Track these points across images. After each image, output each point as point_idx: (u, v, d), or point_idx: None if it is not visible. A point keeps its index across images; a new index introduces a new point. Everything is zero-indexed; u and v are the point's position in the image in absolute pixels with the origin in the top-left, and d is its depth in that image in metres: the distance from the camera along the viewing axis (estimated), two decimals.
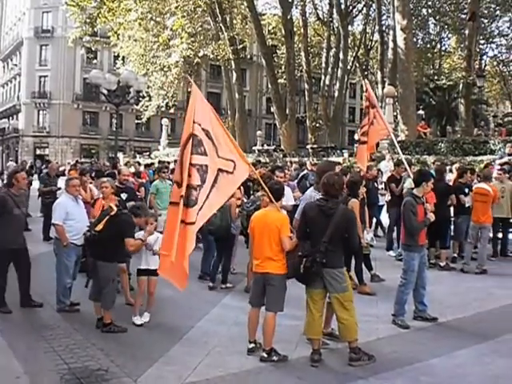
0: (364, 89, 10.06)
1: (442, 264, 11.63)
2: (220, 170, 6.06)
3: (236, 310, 8.33)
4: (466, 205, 11.94)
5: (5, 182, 9.42)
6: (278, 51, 44.79)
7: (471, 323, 8.06)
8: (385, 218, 14.44)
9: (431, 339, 7.32)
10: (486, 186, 11.81)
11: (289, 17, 37.20)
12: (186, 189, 5.76)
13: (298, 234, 6.53)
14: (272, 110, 42.07)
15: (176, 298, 9.12)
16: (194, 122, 5.99)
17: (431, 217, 7.89)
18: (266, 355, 6.32)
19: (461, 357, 6.67)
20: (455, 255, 12.41)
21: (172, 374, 5.96)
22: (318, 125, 40.68)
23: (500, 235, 13.24)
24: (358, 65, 48.88)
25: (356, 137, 32.93)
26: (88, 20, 38.03)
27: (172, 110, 42.44)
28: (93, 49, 50.59)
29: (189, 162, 5.82)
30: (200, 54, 38.78)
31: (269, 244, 6.40)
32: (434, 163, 15.63)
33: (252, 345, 6.59)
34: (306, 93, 41.38)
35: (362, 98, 63.90)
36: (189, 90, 49.56)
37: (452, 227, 12.42)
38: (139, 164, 22.61)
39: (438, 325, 7.86)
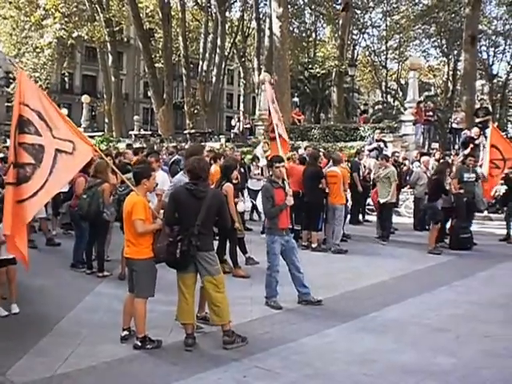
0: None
1: (313, 246, 12.04)
2: (58, 151, 6.11)
3: (109, 297, 8.21)
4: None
5: None
6: (155, 35, 44.12)
7: (341, 302, 8.40)
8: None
9: (303, 319, 7.55)
10: (336, 168, 12.30)
11: (166, 0, 36.78)
12: (16, 168, 5.99)
13: (165, 220, 6.46)
14: (149, 94, 41.49)
15: (47, 287, 8.86)
16: (20, 104, 6.12)
17: (289, 201, 8.02)
18: (139, 343, 6.24)
19: (331, 335, 6.92)
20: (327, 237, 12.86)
21: (42, 366, 5.75)
22: (195, 110, 40.61)
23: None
24: (235, 51, 49.32)
25: (233, 122, 33.23)
26: None
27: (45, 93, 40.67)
28: None
29: (17, 142, 6.02)
30: (74, 35, 37.55)
31: (127, 228, 6.36)
32: (305, 149, 16.13)
33: (125, 332, 6.49)
34: (184, 78, 41.16)
35: (239, 85, 64.50)
36: (63, 72, 47.94)
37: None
38: (7, 148, 21.61)
39: (310, 305, 8.08)
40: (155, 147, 22.88)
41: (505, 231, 13.78)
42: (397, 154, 17.23)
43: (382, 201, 13.34)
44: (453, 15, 44.48)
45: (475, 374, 5.76)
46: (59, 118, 6.27)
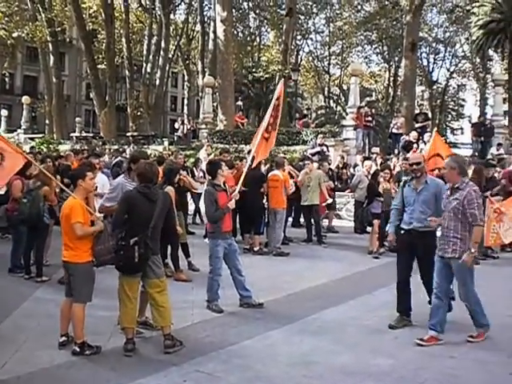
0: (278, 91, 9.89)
1: (255, 249, 12.12)
2: None
3: (48, 302, 8.01)
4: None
5: None
6: (98, 36, 43.51)
7: (282, 305, 8.45)
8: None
9: (244, 322, 7.57)
10: (278, 172, 12.44)
11: (109, 1, 36.40)
12: None
13: (114, 223, 6.37)
14: (91, 96, 40.94)
15: None
16: None
17: (231, 205, 8.05)
18: (77, 349, 6.13)
19: (272, 337, 6.96)
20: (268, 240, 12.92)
21: None
22: (139, 113, 40.27)
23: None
24: (179, 54, 49.18)
25: (176, 125, 32.96)
26: None
27: None
28: None
29: None
30: (14, 35, 36.77)
31: (65, 232, 6.27)
32: (249, 152, 16.15)
33: (63, 338, 6.37)
34: (127, 80, 40.80)
35: (183, 88, 64.27)
36: (3, 72, 46.78)
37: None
38: None
39: (251, 308, 8.12)
40: (97, 150, 22.57)
41: None
42: (339, 159, 17.48)
43: (309, 204, 13.47)
44: (394, 22, 45.59)
45: (413, 374, 5.87)
46: None
